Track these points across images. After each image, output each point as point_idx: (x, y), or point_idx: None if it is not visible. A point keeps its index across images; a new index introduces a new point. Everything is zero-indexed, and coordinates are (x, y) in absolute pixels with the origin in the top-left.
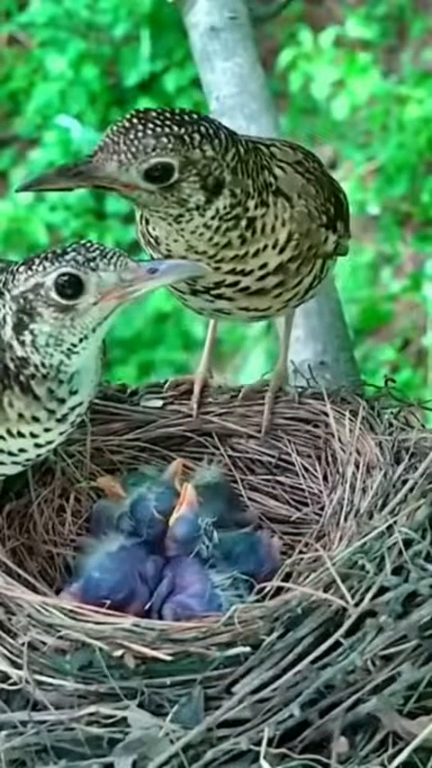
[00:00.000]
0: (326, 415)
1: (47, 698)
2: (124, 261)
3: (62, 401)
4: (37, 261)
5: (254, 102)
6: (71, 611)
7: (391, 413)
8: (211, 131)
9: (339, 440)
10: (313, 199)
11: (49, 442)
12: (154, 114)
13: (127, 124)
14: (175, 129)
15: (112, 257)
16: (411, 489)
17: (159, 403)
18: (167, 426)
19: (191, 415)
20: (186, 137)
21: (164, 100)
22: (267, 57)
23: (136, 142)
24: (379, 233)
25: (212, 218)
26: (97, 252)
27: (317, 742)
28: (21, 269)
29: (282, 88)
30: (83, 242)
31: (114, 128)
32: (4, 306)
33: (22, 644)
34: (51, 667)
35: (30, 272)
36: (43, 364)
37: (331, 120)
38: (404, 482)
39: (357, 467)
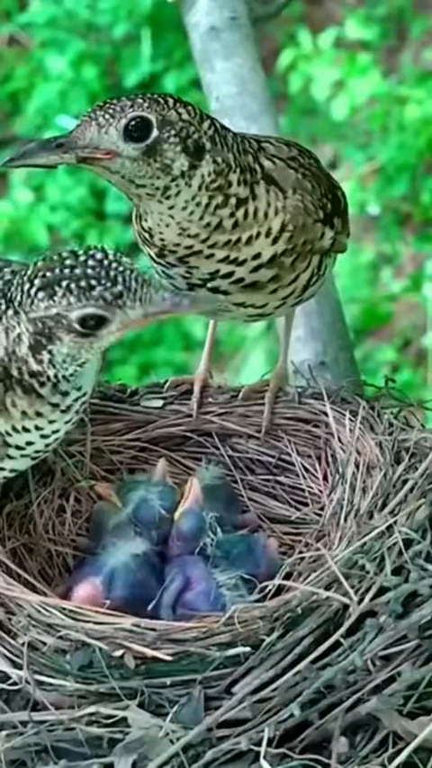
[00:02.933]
0: (326, 415)
1: (47, 698)
2: (149, 295)
3: (66, 394)
4: (59, 291)
5: (254, 102)
6: (71, 611)
7: (391, 413)
8: (182, 102)
9: (339, 440)
10: (309, 194)
11: (56, 432)
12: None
13: (101, 103)
14: (148, 95)
15: (136, 291)
16: (411, 489)
17: (159, 403)
18: (167, 426)
19: (191, 415)
20: (161, 99)
21: None
22: (267, 57)
23: (112, 107)
24: (379, 233)
25: (199, 188)
26: (122, 286)
27: (317, 742)
28: (40, 294)
29: (282, 89)
30: (100, 258)
31: (90, 108)
32: (19, 324)
33: (22, 644)
34: (51, 667)
35: (51, 302)
36: (56, 376)
37: (331, 121)
38: (404, 482)
39: (357, 467)
